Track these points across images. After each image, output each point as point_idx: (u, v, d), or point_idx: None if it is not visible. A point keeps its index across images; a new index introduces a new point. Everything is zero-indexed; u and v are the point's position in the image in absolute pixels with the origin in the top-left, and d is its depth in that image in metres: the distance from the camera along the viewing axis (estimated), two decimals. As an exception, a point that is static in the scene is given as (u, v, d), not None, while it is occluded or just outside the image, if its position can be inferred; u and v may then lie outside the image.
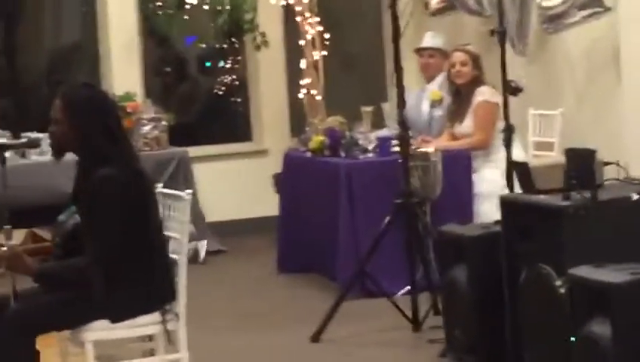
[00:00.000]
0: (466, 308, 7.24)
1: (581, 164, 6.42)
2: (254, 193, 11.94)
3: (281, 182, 10.84)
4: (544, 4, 10.06)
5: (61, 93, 6.10)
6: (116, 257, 5.85)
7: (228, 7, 12.04)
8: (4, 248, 5.97)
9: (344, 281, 8.64)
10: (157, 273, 6.03)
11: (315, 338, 8.10)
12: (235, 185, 12.37)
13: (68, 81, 9.72)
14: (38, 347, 5.91)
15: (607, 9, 9.73)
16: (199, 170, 11.86)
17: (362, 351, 7.93)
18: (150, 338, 6.25)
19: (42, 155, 10.55)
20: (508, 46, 9.56)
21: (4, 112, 12.26)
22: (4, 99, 12.61)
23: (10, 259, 5.92)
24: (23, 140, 9.53)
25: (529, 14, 10.32)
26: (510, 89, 7.88)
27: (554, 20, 10.17)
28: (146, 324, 6.10)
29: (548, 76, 10.64)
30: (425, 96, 9.84)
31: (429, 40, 10.04)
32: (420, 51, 10.13)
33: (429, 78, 9.91)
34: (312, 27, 11.88)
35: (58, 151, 6.29)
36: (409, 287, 8.32)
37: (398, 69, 8.38)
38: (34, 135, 9.78)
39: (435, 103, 9.70)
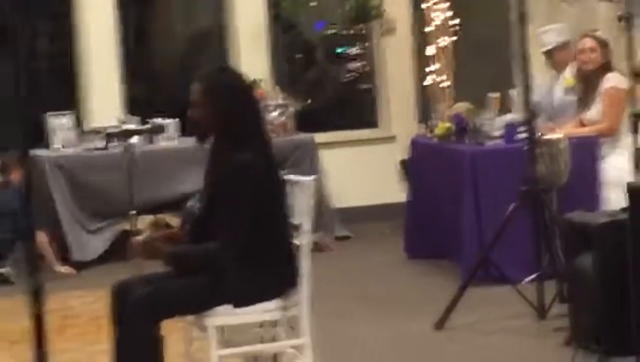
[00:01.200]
0: (591, 297, 7.12)
1: None
2: (381, 179, 11.97)
3: (408, 168, 10.73)
4: None
5: (200, 76, 6.15)
6: (247, 243, 5.90)
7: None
8: (139, 237, 6.14)
9: (468, 268, 8.56)
10: (281, 259, 6.07)
11: (439, 326, 8.05)
12: (361, 171, 12.34)
13: (203, 66, 9.57)
14: (163, 332, 5.99)
15: None
16: (326, 157, 11.89)
17: (486, 339, 7.89)
18: (274, 324, 6.25)
19: (169, 141, 10.52)
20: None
21: (136, 98, 12.28)
22: (136, 86, 12.65)
23: (147, 247, 6.09)
24: (148, 126, 9.55)
25: None
26: (637, 75, 7.71)
27: None
28: (269, 310, 6.12)
29: None
30: (559, 82, 9.66)
31: (553, 39, 9.84)
32: (548, 53, 9.90)
33: (561, 71, 9.69)
34: (441, 12, 11.70)
35: (201, 135, 6.30)
36: (535, 275, 8.20)
37: (525, 56, 8.27)
38: (159, 121, 9.78)
39: (569, 89, 9.53)
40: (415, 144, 10.75)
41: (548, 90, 9.77)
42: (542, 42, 9.98)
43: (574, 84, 9.52)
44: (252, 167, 5.90)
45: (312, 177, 6.32)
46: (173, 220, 9.89)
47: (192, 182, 10.15)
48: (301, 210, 6.17)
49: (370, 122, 13.14)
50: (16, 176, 10.72)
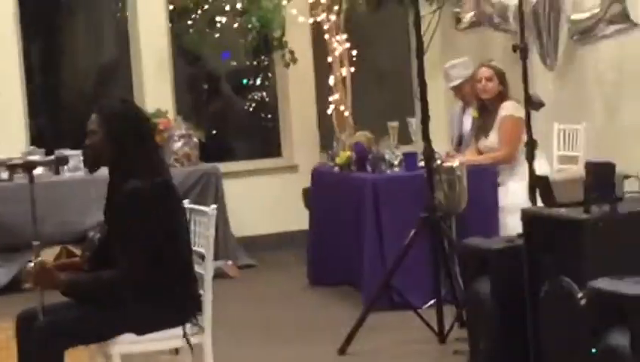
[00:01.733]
0: (489, 321, 7.30)
1: (601, 178, 6.50)
2: (284, 208, 12.13)
3: (311, 196, 10.85)
4: (573, 17, 10.04)
5: (98, 106, 6.28)
6: (145, 271, 5.94)
7: (257, 25, 11.94)
8: (32, 264, 6.05)
9: (370, 294, 8.69)
10: (183, 287, 6.13)
11: (342, 350, 8.19)
12: (265, 200, 12.58)
13: (104, 97, 9.75)
14: (68, 360, 5.96)
15: (635, 25, 9.70)
16: (230, 186, 12.09)
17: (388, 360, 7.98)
18: (177, 351, 6.32)
19: (75, 172, 10.60)
20: (538, 60, 9.65)
21: (40, 131, 12.29)
22: (41, 118, 12.64)
23: (38, 274, 5.99)
24: (51, 157, 9.63)
25: (559, 28, 10.29)
26: (533, 104, 7.91)
27: (584, 33, 10.17)
28: (172, 337, 6.18)
29: (576, 90, 10.67)
30: (468, 113, 9.90)
31: (460, 73, 10.05)
32: (456, 89, 10.10)
33: (469, 103, 9.90)
34: (339, 44, 11.91)
35: (92, 164, 6.42)
36: (434, 300, 8.38)
37: (423, 85, 8.45)
38: (64, 152, 9.85)
39: (475, 121, 9.71)
40: (317, 173, 10.99)
41: (457, 120, 9.91)
42: (449, 77, 10.20)
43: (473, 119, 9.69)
44: (140, 193, 5.98)
45: (214, 206, 6.37)
46: (79, 251, 9.92)
47: (97, 213, 10.20)
48: (203, 238, 6.29)
49: (274, 152, 13.23)
50: None
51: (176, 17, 12.58)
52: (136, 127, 6.23)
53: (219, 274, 6.60)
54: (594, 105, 10.58)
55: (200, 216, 6.33)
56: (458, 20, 11.87)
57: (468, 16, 11.45)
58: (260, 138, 13.54)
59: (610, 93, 10.43)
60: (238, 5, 12.31)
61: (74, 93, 14.00)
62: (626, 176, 6.61)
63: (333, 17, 11.99)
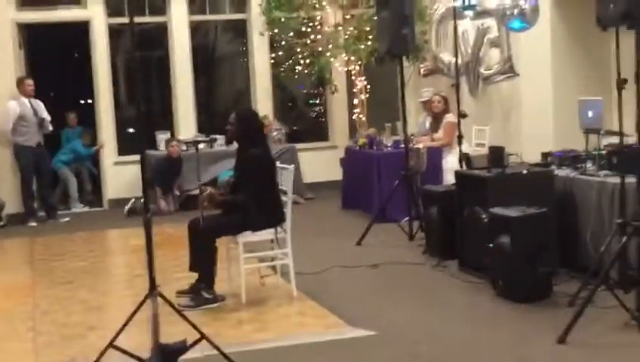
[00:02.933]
0: (436, 229, 7.58)
1: (496, 155, 6.72)
2: (330, 168, 12.01)
3: (344, 162, 11.02)
4: (482, 71, 10.15)
5: (235, 111, 6.61)
6: (257, 197, 6.15)
7: (317, 70, 12.07)
8: (205, 193, 6.42)
9: (373, 213, 8.87)
10: (276, 206, 6.35)
11: (359, 242, 8.30)
12: (320, 163, 12.45)
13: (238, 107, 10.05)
14: (216, 244, 6.28)
15: (517, 74, 9.83)
16: (302, 156, 12.10)
17: (382, 251, 7.90)
18: (272, 241, 6.53)
19: (220, 147, 10.90)
20: (465, 90, 9.78)
21: (202, 124, 12.47)
22: (203, 117, 12.84)
23: (210, 196, 6.35)
24: (206, 139, 9.94)
25: (476, 75, 10.39)
26: (461, 115, 8.10)
27: (487, 79, 10.27)
28: (270, 233, 6.40)
29: (485, 107, 10.74)
30: (427, 119, 10.02)
31: (426, 95, 10.18)
32: (423, 103, 10.29)
33: (429, 112, 10.06)
34: (360, 82, 12.04)
35: (229, 141, 7.20)
36: (408, 217, 8.51)
37: (404, 104, 8.70)
38: (215, 136, 10.21)
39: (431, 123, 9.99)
40: (347, 150, 11.22)
41: (422, 123, 10.10)
42: (421, 97, 10.30)
43: (421, 120, 9.94)
44: (257, 155, 6.25)
45: (293, 166, 6.70)
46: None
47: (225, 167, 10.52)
48: (287, 182, 6.48)
49: (324, 138, 13.23)
50: None
51: (275, 65, 12.45)
52: (254, 122, 6.53)
53: (294, 202, 6.75)
54: (495, 116, 10.66)
55: (286, 171, 6.57)
56: (419, 71, 11.79)
57: (426, 67, 11.43)
58: (317, 131, 13.49)
59: (503, 110, 10.50)
60: (308, 60, 12.07)
61: (222, 104, 14.02)
62: (510, 154, 6.80)
63: (357, 67, 11.94)
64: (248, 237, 6.30)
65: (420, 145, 9.12)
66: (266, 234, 6.36)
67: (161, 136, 11.80)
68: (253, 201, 6.15)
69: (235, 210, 6.28)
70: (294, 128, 13.43)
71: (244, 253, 6.26)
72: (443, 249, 7.33)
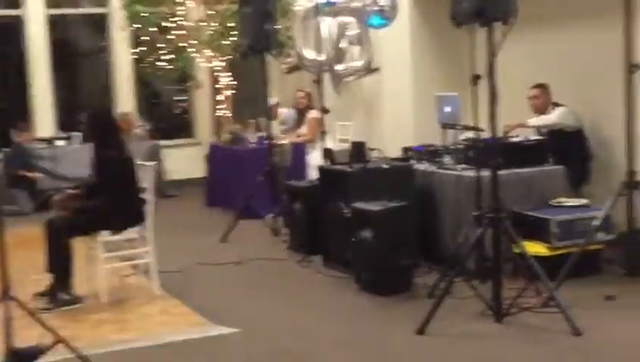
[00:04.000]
0: (301, 224, 7.64)
1: (358, 150, 6.80)
2: (195, 165, 11.89)
3: (208, 159, 10.91)
4: (342, 67, 10.23)
5: (87, 111, 6.47)
6: (114, 199, 6.03)
7: (181, 66, 11.95)
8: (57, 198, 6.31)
9: (238, 210, 8.74)
10: (135, 206, 6.26)
11: (224, 239, 8.33)
12: (184, 160, 12.30)
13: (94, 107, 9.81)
14: (72, 244, 6.14)
15: (376, 70, 10.00)
16: (166, 153, 11.99)
17: (246, 247, 7.90)
18: (133, 240, 6.44)
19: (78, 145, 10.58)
20: (329, 87, 9.87)
21: (64, 122, 12.08)
22: (67, 116, 12.42)
23: (61, 203, 6.25)
24: (63, 136, 9.68)
25: (336, 72, 10.42)
26: (324, 110, 8.17)
27: (348, 76, 10.35)
28: (131, 233, 6.33)
29: (349, 103, 10.87)
30: (293, 114, 10.10)
31: (273, 100, 10.36)
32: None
33: (275, 117, 10.23)
34: (224, 78, 11.97)
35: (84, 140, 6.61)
36: (272, 214, 8.56)
37: (267, 103, 8.57)
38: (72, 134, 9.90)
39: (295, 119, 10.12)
40: (212, 147, 11.17)
41: (289, 116, 10.17)
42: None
43: (283, 117, 10.04)
44: (112, 156, 6.12)
45: (154, 162, 6.59)
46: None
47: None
48: (149, 180, 6.37)
49: (189, 134, 13.14)
50: None
51: (137, 61, 12.24)
52: (107, 122, 6.39)
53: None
54: (358, 111, 10.83)
55: (146, 168, 6.45)
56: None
57: (290, 62, 11.42)
58: (181, 127, 13.39)
59: (366, 106, 10.67)
60: (171, 56, 11.89)
61: (84, 101, 13.53)
62: (372, 149, 6.89)
63: (221, 63, 11.87)
64: (108, 236, 6.18)
65: (284, 141, 9.15)
66: (127, 233, 6.27)
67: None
68: (110, 204, 6.04)
69: (93, 211, 6.13)
70: (158, 125, 13.25)
71: (105, 253, 6.15)
72: (307, 244, 7.39)
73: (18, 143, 10.67)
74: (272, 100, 10.45)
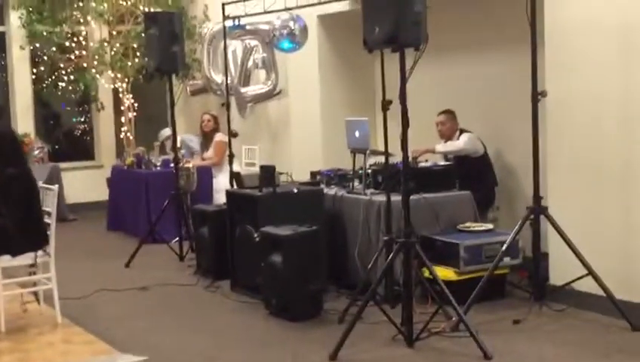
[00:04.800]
0: (208, 249, 7.57)
1: (267, 174, 6.73)
2: (96, 188, 11.63)
3: (110, 182, 10.69)
4: (248, 91, 10.22)
5: None
6: (16, 219, 5.81)
7: (83, 87, 11.73)
8: None
9: (142, 234, 8.69)
10: (38, 229, 6.05)
11: (127, 264, 8.20)
12: (85, 183, 12.02)
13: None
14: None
15: (280, 94, 10.15)
16: (66, 175, 11.57)
17: (152, 272, 7.80)
18: (33, 265, 6.18)
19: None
20: (235, 111, 9.83)
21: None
22: None
23: None
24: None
25: (243, 95, 10.39)
26: (232, 134, 8.13)
27: (254, 99, 10.35)
28: (32, 257, 6.08)
29: (255, 127, 10.85)
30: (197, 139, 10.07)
31: (163, 134, 10.39)
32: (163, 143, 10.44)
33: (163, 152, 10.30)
34: (128, 100, 11.79)
35: None
36: (178, 238, 8.49)
37: (174, 123, 8.60)
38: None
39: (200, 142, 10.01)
40: (114, 169, 10.91)
41: (190, 139, 10.09)
42: (160, 138, 10.43)
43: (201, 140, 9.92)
44: (14, 176, 5.86)
45: (56, 186, 6.35)
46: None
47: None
48: (50, 203, 6.21)
49: (90, 156, 12.81)
50: None
51: (37, 81, 11.93)
52: (10, 141, 6.13)
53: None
54: (264, 135, 10.82)
55: (49, 191, 6.23)
56: (187, 89, 11.76)
57: (197, 84, 11.34)
58: (82, 149, 13.05)
59: (272, 130, 10.67)
60: (72, 77, 11.68)
61: None
62: (280, 173, 6.90)
63: (124, 85, 11.68)
64: (7, 261, 5.95)
65: (190, 165, 9.05)
66: (27, 258, 6.05)
67: None
68: (11, 224, 5.81)
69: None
70: (57, 147, 12.93)
71: (3, 279, 5.92)
72: (215, 269, 7.32)
73: None
74: (166, 132, 10.37)
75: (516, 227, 5.95)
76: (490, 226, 6.68)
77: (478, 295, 5.69)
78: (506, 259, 6.10)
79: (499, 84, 7.79)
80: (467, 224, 6.60)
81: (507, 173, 7.74)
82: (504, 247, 5.91)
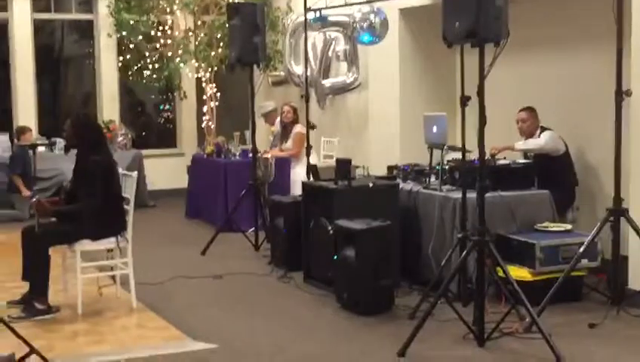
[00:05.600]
0: (282, 240, 7.59)
1: (343, 167, 6.77)
2: (177, 175, 11.81)
3: (190, 169, 10.84)
4: (326, 83, 10.24)
5: (70, 118, 6.39)
6: (96, 205, 5.97)
7: (166, 75, 11.96)
8: (33, 200, 6.12)
9: (220, 223, 8.82)
10: (117, 215, 6.21)
11: (204, 252, 8.25)
12: (167, 171, 12.24)
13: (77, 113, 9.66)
14: (50, 253, 6.03)
15: (359, 85, 10.17)
16: (148, 162, 11.85)
17: (226, 261, 7.89)
18: (112, 250, 6.32)
19: (60, 151, 10.38)
20: (314, 102, 9.85)
21: (47, 128, 11.97)
22: (49, 119, 12.35)
23: (39, 205, 5.99)
24: (45, 142, 9.51)
25: (323, 87, 10.41)
26: (310, 126, 8.16)
27: (334, 91, 10.38)
28: (110, 242, 6.23)
29: (334, 120, 10.86)
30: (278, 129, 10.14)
31: (267, 107, 10.39)
32: (264, 115, 10.33)
33: (272, 124, 10.12)
34: (210, 89, 11.93)
35: (67, 148, 6.64)
36: (254, 227, 8.51)
37: (253, 114, 8.62)
38: (57, 139, 9.74)
39: (275, 134, 9.99)
40: (195, 157, 11.06)
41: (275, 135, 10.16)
42: (262, 109, 10.27)
43: (276, 131, 9.86)
44: (97, 161, 6.08)
45: (135, 172, 6.47)
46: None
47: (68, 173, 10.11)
48: (130, 189, 6.31)
49: (172, 145, 13.07)
50: None
51: (122, 69, 12.20)
52: (92, 128, 6.35)
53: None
54: (344, 128, 10.81)
55: (129, 178, 6.37)
56: (269, 79, 11.89)
57: (278, 75, 11.44)
58: (165, 137, 13.32)
59: (352, 123, 10.65)
60: (156, 65, 11.97)
61: (67, 107, 13.42)
62: (356, 166, 6.86)
63: (207, 74, 11.82)
64: (87, 245, 6.12)
65: (268, 155, 9.10)
66: (106, 242, 6.19)
67: (0, 138, 11.38)
68: (91, 210, 5.99)
69: (72, 218, 6.07)
70: (142, 134, 13.16)
71: (82, 262, 6.07)
72: (289, 260, 7.34)
73: (20, 147, 10.62)
74: (269, 106, 10.50)
75: (595, 229, 5.83)
76: (568, 227, 6.54)
77: (553, 296, 5.60)
78: (584, 261, 5.99)
79: (581, 82, 7.62)
80: (545, 224, 6.47)
81: (588, 173, 7.56)
82: (582, 249, 5.80)
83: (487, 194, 5.54)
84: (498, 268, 5.44)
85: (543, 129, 7.55)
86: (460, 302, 5.84)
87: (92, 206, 5.98)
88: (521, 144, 7.53)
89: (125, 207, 6.23)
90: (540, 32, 7.98)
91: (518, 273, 5.94)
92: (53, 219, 6.24)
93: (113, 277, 6.61)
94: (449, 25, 5.10)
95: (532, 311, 5.12)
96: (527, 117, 7.62)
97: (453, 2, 5.08)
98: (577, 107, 7.69)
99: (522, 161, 7.24)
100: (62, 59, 13.71)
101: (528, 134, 7.59)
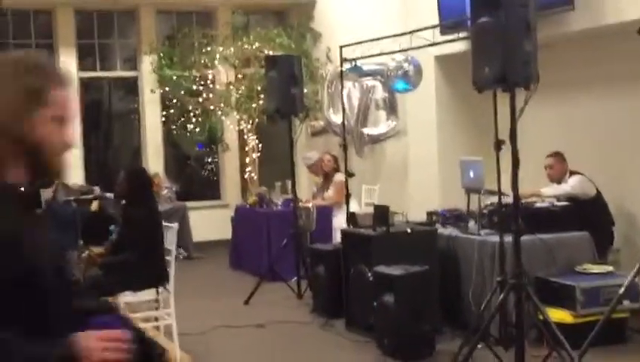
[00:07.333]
0: (324, 288, 7.60)
1: (381, 213, 6.61)
2: (222, 227, 11.84)
3: (234, 220, 10.89)
4: (365, 131, 10.29)
5: (125, 170, 6.62)
6: (139, 257, 6.05)
7: (208, 129, 12.11)
8: (84, 254, 6.21)
9: (262, 273, 8.79)
10: (159, 266, 6.23)
11: (247, 301, 8.26)
12: (212, 222, 12.29)
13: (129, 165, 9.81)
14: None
15: (397, 132, 10.16)
16: (193, 214, 11.80)
17: (269, 310, 7.84)
18: (155, 301, 6.38)
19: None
20: (352, 150, 9.90)
21: (93, 182, 12.16)
22: (96, 176, 12.59)
23: (89, 259, 6.16)
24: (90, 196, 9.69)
25: (362, 136, 10.46)
26: (348, 174, 8.16)
27: (373, 139, 10.42)
28: (153, 294, 6.30)
29: (373, 167, 10.88)
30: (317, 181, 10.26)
31: (311, 159, 10.46)
32: (309, 166, 10.45)
33: (318, 175, 10.26)
34: (252, 140, 12.08)
35: (117, 198, 7.02)
36: (296, 277, 8.52)
37: (292, 164, 8.74)
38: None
39: (318, 184, 10.08)
40: (238, 208, 11.08)
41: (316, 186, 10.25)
42: (307, 161, 10.37)
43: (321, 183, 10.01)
44: (144, 217, 6.16)
45: (176, 224, 6.51)
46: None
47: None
48: (170, 241, 6.30)
49: (216, 196, 13.16)
50: None
51: (166, 122, 12.43)
52: (142, 179, 6.49)
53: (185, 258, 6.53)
54: (383, 174, 10.82)
55: (170, 229, 6.39)
56: (308, 129, 11.98)
57: (318, 125, 11.54)
58: (209, 189, 13.44)
59: (392, 168, 10.66)
60: (199, 118, 12.12)
61: (114, 161, 13.60)
62: (395, 213, 6.82)
63: (248, 126, 11.97)
64: (131, 296, 6.19)
65: (310, 204, 9.14)
66: (149, 293, 6.26)
67: (46, 194, 11.45)
68: (135, 261, 6.07)
69: (116, 270, 6.17)
70: (186, 186, 13.31)
71: (126, 313, 6.11)
72: (331, 307, 7.34)
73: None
74: (314, 156, 10.58)
75: (635, 268, 5.74)
76: (609, 268, 6.45)
77: (596, 339, 5.50)
78: (626, 302, 5.86)
79: (617, 123, 7.59)
80: (585, 265, 6.41)
81: (629, 215, 7.50)
82: (622, 290, 5.71)
83: (526, 237, 5.52)
84: (538, 311, 5.41)
85: (572, 173, 7.49)
86: (502, 346, 5.77)
87: (135, 257, 6.03)
88: (548, 190, 7.45)
89: (167, 258, 6.27)
90: (575, 72, 7.94)
91: (559, 315, 5.87)
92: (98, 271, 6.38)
93: (157, 328, 6.66)
94: (479, 70, 5.15)
95: (572, 354, 5.07)
96: (554, 162, 7.56)
97: (482, 48, 5.14)
98: (613, 148, 7.64)
99: (561, 203, 7.17)
100: (108, 115, 14.01)
101: (557, 179, 7.54)
